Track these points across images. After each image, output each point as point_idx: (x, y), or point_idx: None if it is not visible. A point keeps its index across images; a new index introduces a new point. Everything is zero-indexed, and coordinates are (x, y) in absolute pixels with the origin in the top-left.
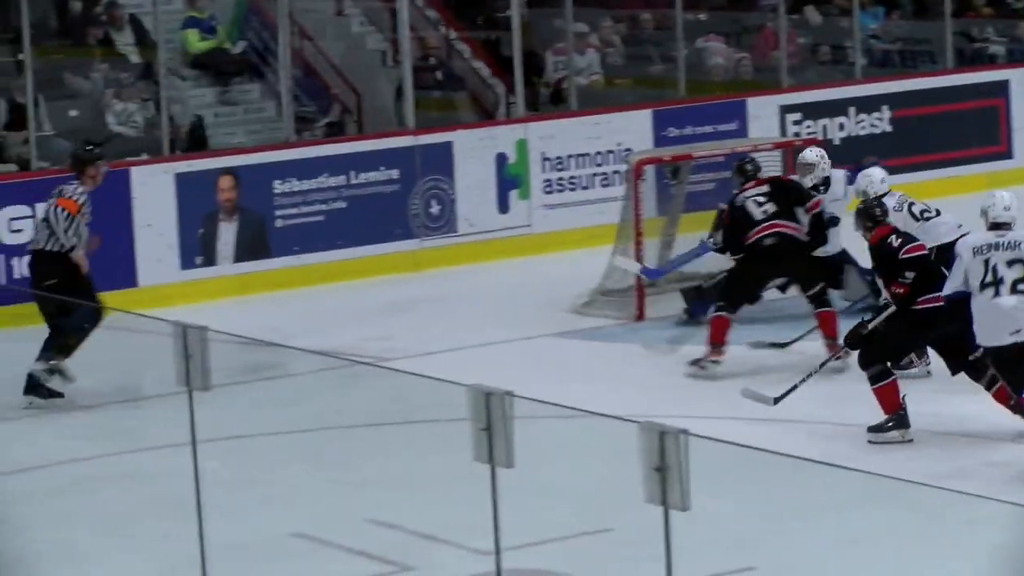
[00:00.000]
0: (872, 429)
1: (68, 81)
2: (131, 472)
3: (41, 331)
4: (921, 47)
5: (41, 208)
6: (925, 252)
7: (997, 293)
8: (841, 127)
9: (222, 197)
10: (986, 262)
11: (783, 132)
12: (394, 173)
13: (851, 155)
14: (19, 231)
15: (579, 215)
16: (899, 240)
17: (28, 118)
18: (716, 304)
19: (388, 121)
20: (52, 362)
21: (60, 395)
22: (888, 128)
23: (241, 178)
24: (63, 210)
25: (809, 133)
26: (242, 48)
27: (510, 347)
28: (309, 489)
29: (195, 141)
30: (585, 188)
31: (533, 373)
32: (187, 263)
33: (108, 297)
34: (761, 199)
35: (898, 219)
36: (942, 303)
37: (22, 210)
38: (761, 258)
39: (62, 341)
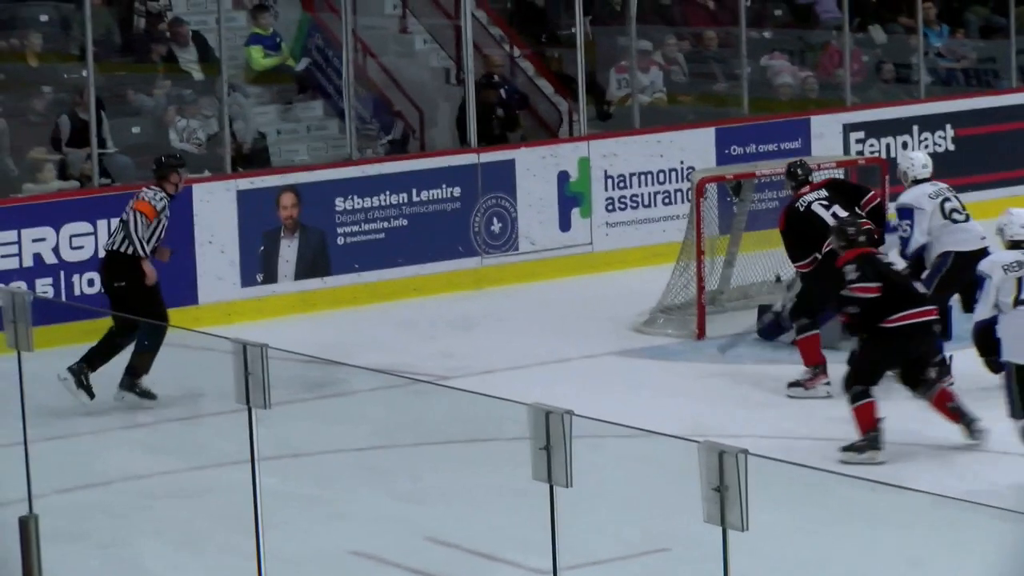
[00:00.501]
0: (845, 448)
1: (131, 98)
2: (192, 489)
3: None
4: (985, 66)
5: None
6: (872, 295)
7: None
8: (904, 145)
9: (284, 214)
10: (1019, 280)
11: (846, 150)
12: (456, 191)
13: None
14: (80, 247)
15: (641, 233)
16: (856, 273)
17: (91, 135)
18: (799, 323)
19: (451, 138)
20: (81, 373)
21: (155, 396)
22: (951, 147)
23: (303, 195)
24: (141, 214)
25: (872, 152)
26: (305, 65)
27: (571, 365)
28: (368, 506)
29: (257, 158)
30: (647, 206)
31: (594, 391)
32: (248, 280)
33: (170, 313)
34: (825, 202)
35: (929, 210)
36: (916, 320)
37: (83, 227)
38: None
39: (131, 362)
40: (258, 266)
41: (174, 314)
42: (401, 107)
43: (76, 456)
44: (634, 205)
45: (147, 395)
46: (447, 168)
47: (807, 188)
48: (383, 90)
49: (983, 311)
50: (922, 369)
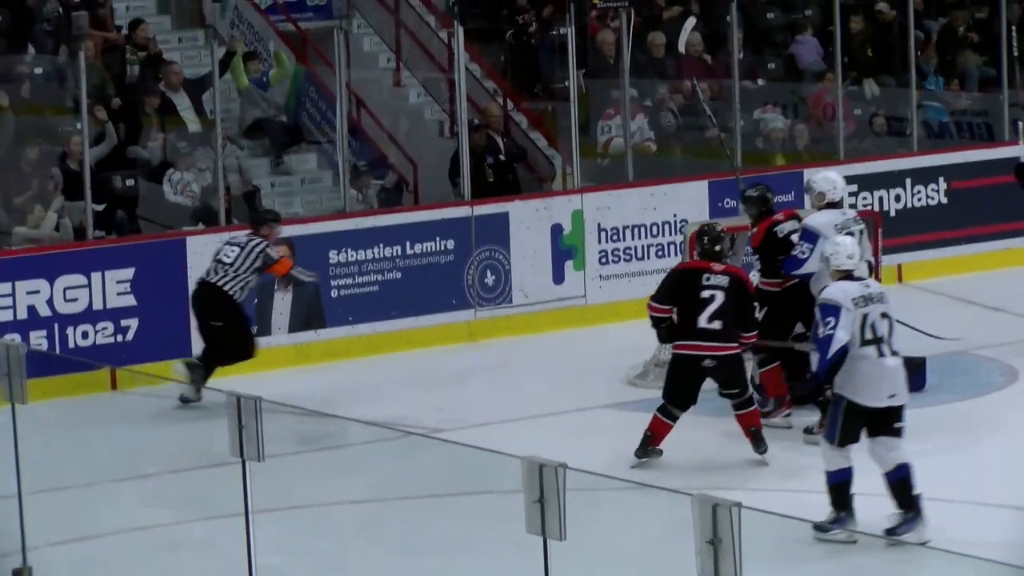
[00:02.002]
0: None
1: (126, 151)
2: (187, 541)
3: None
4: (979, 119)
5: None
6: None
7: (881, 353)
8: (898, 199)
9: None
10: (864, 316)
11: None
12: (450, 243)
13: (907, 227)
14: (74, 300)
15: (635, 286)
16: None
17: (84, 187)
18: (759, 356)
19: (444, 192)
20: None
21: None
22: (944, 200)
23: (296, 248)
24: (261, 261)
25: (865, 204)
26: (299, 118)
27: (565, 418)
28: (363, 559)
29: (251, 211)
30: (641, 259)
31: (587, 445)
32: None
33: (163, 367)
34: (796, 236)
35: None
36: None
37: (78, 279)
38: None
39: (204, 359)
40: (252, 319)
41: (167, 367)
42: (395, 160)
43: (70, 508)
44: (627, 258)
45: (195, 374)
46: (441, 221)
47: (781, 215)
48: (377, 143)
49: (840, 343)
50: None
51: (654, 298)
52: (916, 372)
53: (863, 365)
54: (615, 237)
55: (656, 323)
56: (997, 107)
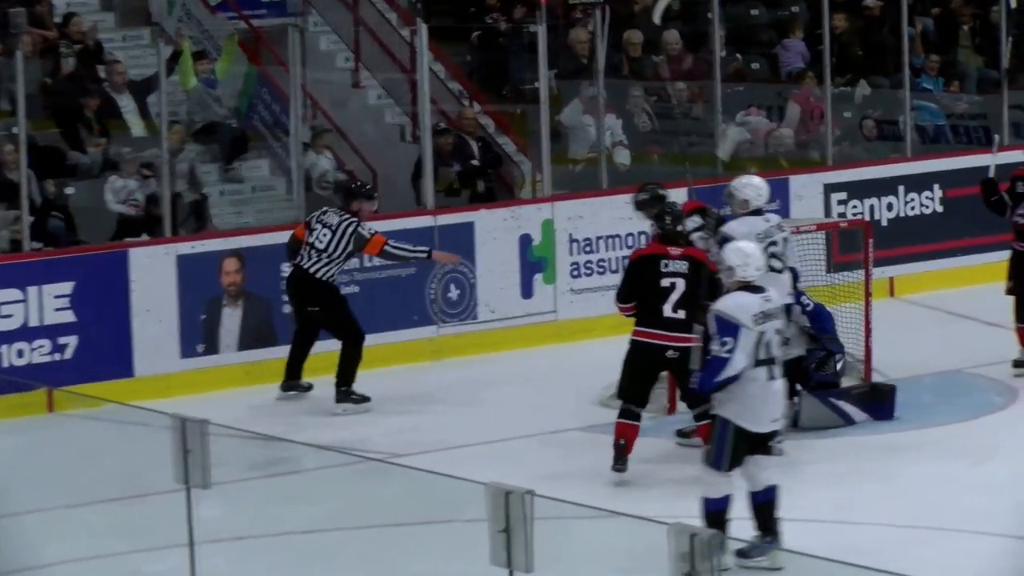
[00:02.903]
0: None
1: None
2: (129, 573)
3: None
4: (977, 123)
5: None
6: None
7: (771, 376)
8: (890, 207)
9: (226, 281)
10: (761, 335)
11: (827, 212)
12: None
13: (900, 237)
14: (9, 316)
15: (608, 301)
16: None
17: (21, 197)
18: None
19: (406, 200)
20: (350, 394)
21: (368, 399)
22: (940, 208)
23: (247, 260)
24: (353, 243)
25: (855, 213)
26: (251, 122)
27: (532, 442)
28: None
29: (199, 220)
30: (615, 272)
31: (557, 470)
32: (188, 351)
33: (103, 388)
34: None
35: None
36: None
37: (13, 294)
38: None
39: (338, 376)
40: (199, 336)
41: (108, 387)
42: (353, 166)
43: (10, 538)
44: (601, 271)
45: (363, 399)
46: (402, 231)
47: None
48: (334, 149)
49: (741, 365)
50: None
51: (619, 297)
52: (884, 400)
53: (753, 388)
54: (588, 248)
55: None
56: (996, 110)
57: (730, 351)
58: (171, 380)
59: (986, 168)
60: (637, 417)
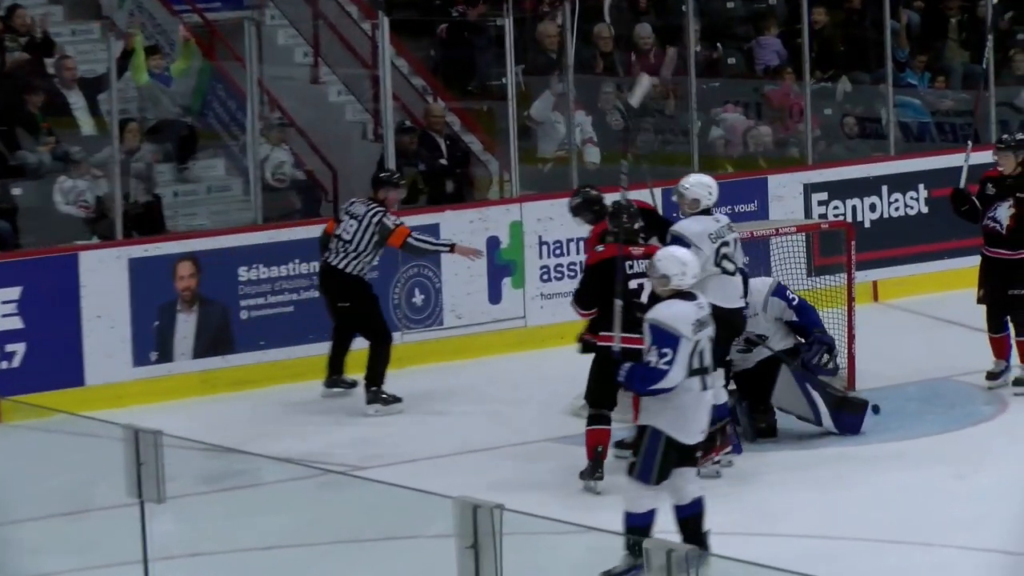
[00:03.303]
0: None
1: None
2: None
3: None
4: (963, 120)
5: None
6: None
7: (705, 385)
8: (872, 208)
9: (180, 285)
10: (696, 343)
11: (808, 213)
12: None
13: (883, 239)
14: None
15: None
16: None
17: None
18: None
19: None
20: (379, 394)
21: (399, 399)
22: (924, 209)
23: (202, 264)
24: (381, 229)
25: (837, 214)
26: (206, 119)
27: (501, 454)
28: None
29: (151, 222)
30: None
31: (526, 482)
32: (141, 359)
33: (52, 397)
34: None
35: (707, 252)
36: None
37: None
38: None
39: (367, 377)
40: (152, 343)
41: (57, 397)
42: (312, 165)
43: None
44: (572, 274)
45: (393, 399)
46: None
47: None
48: (292, 146)
49: (678, 375)
50: None
51: (580, 302)
52: (854, 412)
53: (688, 399)
54: (558, 251)
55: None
56: (983, 107)
57: (669, 363)
58: (123, 389)
59: (958, 173)
60: (608, 420)
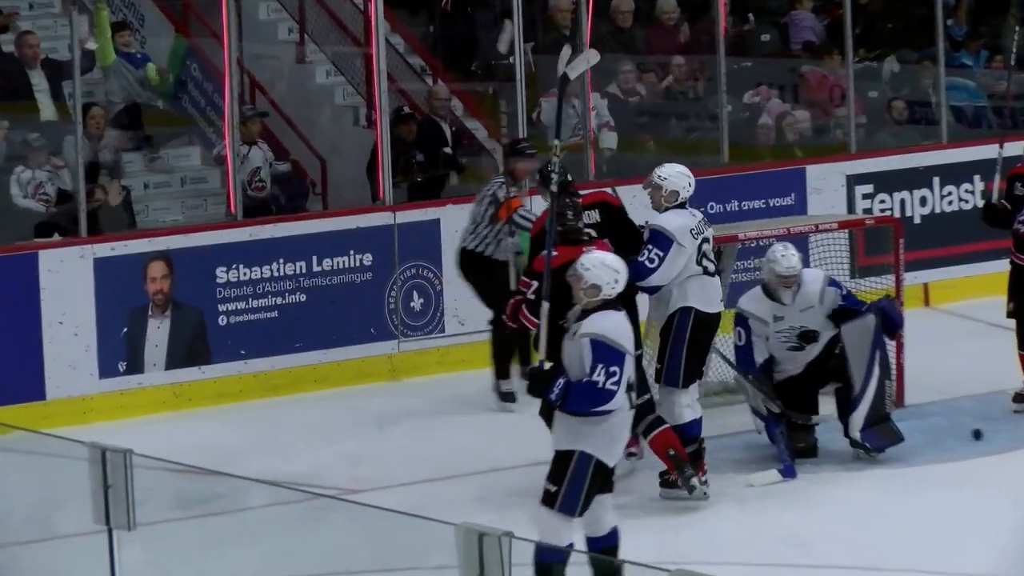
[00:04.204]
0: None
1: None
2: None
3: None
4: (1021, 103)
5: None
6: None
7: (631, 403)
8: (923, 202)
9: (152, 288)
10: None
11: (851, 208)
12: (367, 258)
13: (935, 237)
14: None
15: None
16: None
17: None
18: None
19: (361, 195)
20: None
21: (512, 397)
22: (980, 203)
23: (176, 264)
24: (493, 199)
25: (883, 209)
26: (180, 103)
27: (509, 475)
28: None
29: (119, 218)
30: None
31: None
32: (108, 370)
33: (9, 412)
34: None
35: (690, 250)
36: None
37: None
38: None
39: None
40: (120, 352)
41: (17, 412)
42: (298, 155)
43: None
44: None
45: (507, 397)
46: (356, 230)
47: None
48: (276, 134)
49: (620, 401)
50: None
51: (530, 311)
52: (885, 438)
53: (620, 419)
54: None
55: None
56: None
57: (616, 383)
58: (89, 403)
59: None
60: (662, 420)
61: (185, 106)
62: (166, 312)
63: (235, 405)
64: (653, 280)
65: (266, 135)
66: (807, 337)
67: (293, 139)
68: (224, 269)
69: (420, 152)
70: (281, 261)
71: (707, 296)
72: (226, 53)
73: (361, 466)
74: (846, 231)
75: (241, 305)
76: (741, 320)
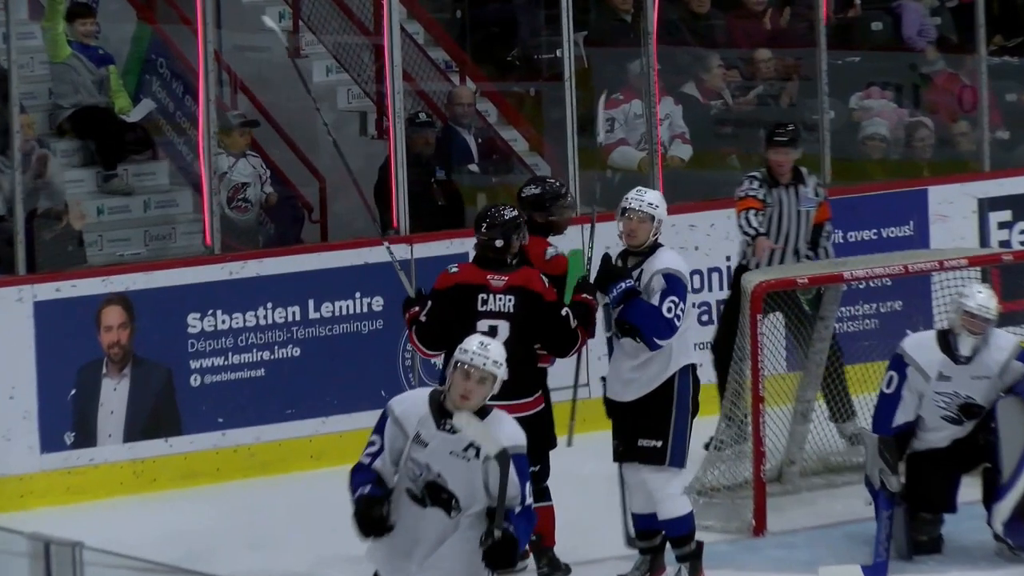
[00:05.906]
0: None
1: None
2: None
3: None
4: None
5: None
6: None
7: None
8: None
9: (107, 340)
10: None
11: (983, 239)
12: (377, 302)
13: None
14: None
15: None
16: None
17: None
18: None
19: (367, 222)
20: None
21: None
22: None
23: (137, 310)
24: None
25: (1023, 241)
26: (146, 111)
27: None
28: None
29: (66, 251)
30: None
31: None
32: (52, 443)
33: None
34: None
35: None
36: None
37: None
38: None
39: None
40: (68, 420)
41: None
42: (291, 173)
43: None
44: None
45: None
46: (363, 267)
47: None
48: (262, 146)
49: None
50: None
51: (422, 339)
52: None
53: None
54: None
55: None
56: None
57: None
58: (28, 484)
59: None
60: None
61: (151, 114)
62: (124, 370)
63: (210, 487)
64: (671, 338)
65: (253, 148)
66: (969, 411)
67: (285, 152)
68: (197, 316)
69: (441, 169)
70: (269, 306)
71: (687, 346)
72: (200, 44)
73: (368, 563)
74: (978, 268)
75: (219, 361)
76: (898, 364)
